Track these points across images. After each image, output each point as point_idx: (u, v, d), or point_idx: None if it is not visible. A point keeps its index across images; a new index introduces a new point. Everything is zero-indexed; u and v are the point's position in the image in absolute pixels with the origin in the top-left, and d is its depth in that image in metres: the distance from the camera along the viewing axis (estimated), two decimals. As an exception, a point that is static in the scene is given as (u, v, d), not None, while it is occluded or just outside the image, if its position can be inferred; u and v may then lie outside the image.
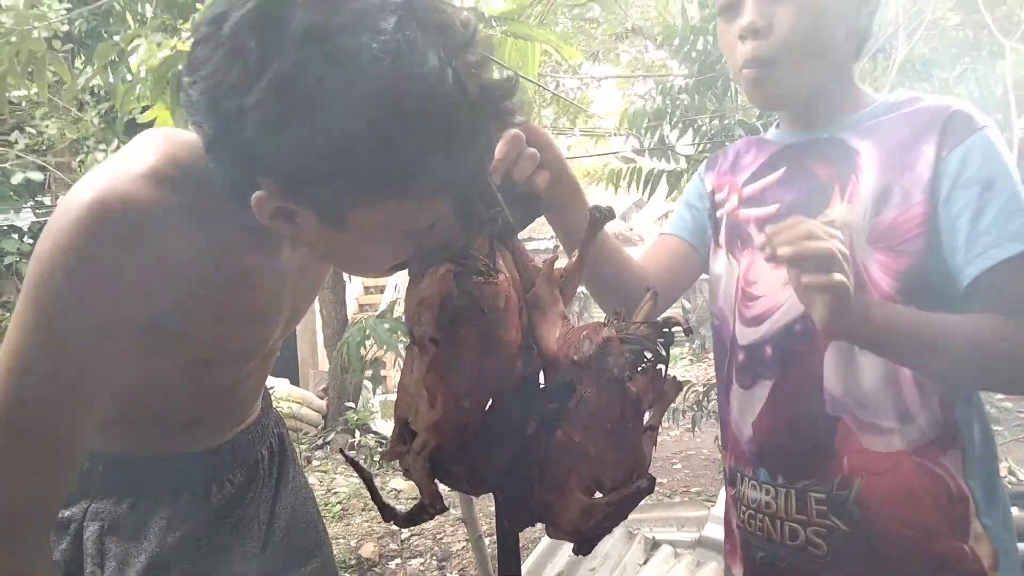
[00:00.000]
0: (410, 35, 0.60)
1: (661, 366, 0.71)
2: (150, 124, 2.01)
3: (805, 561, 0.97)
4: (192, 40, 0.66)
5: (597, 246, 0.86)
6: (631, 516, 0.72)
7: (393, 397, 0.70)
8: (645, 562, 2.85)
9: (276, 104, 0.59)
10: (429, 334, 0.65)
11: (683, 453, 5.36)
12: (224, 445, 1.00)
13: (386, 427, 5.93)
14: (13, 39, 1.88)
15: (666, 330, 0.70)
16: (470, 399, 0.68)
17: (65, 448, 0.72)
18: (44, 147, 5.08)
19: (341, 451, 0.76)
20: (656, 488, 0.74)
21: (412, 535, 3.92)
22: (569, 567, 2.84)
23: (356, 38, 0.58)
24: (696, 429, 3.48)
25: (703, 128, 2.74)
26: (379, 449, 5.65)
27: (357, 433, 5.90)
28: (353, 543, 3.93)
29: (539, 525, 0.73)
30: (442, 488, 0.69)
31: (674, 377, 0.73)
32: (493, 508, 0.78)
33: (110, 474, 0.91)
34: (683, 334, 0.78)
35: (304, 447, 5.71)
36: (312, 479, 4.89)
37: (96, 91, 4.35)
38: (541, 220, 0.87)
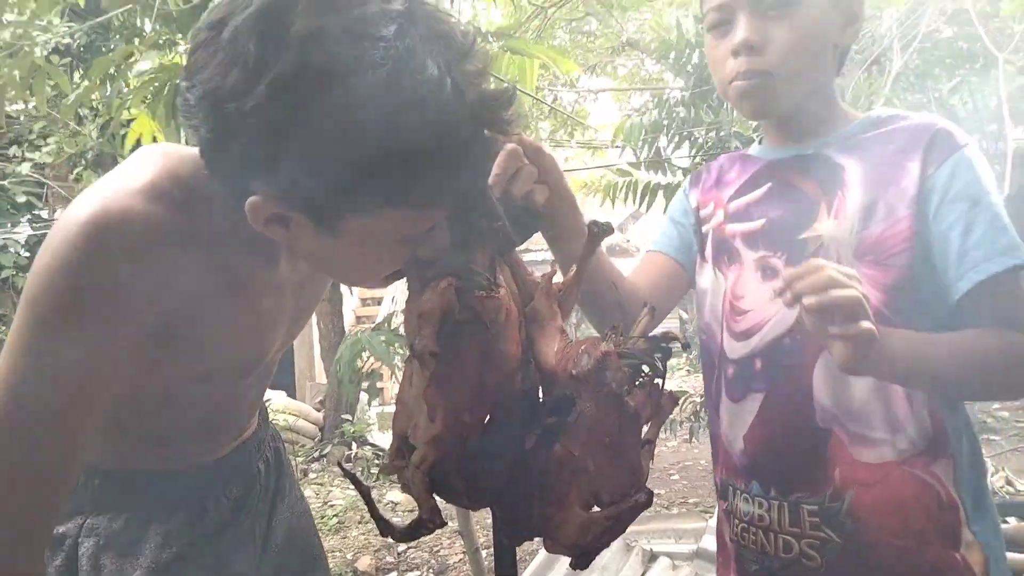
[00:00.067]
0: (410, 43, 0.60)
1: (658, 380, 0.71)
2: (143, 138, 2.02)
3: (800, 573, 0.97)
4: (190, 45, 0.66)
5: (592, 262, 0.86)
6: (629, 528, 0.73)
7: (390, 409, 0.70)
8: (643, 574, 2.84)
9: (275, 107, 0.58)
10: (430, 348, 0.64)
11: (680, 464, 5.35)
12: (221, 460, 1.00)
13: (383, 439, 5.91)
14: (11, 57, 1.89)
15: (664, 345, 0.71)
16: (470, 413, 0.68)
17: (61, 462, 0.72)
18: (43, 163, 5.09)
19: (339, 465, 0.76)
20: (654, 499, 0.74)
21: (408, 548, 3.90)
22: (567, 580, 2.83)
23: (356, 44, 0.59)
24: (693, 440, 3.48)
25: (699, 140, 2.76)
26: (376, 461, 5.63)
27: (354, 445, 5.88)
28: (349, 556, 3.91)
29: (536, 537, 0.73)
30: (439, 501, 0.69)
31: (670, 391, 0.73)
32: (490, 520, 0.78)
33: (106, 489, 0.91)
34: (680, 348, 0.79)
35: (301, 459, 5.68)
36: (308, 491, 4.87)
37: (95, 106, 4.36)
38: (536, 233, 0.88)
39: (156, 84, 1.79)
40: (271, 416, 1.17)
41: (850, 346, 0.78)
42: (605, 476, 0.69)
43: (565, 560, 0.75)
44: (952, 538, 0.93)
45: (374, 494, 0.74)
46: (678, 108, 2.73)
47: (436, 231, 0.70)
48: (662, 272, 1.16)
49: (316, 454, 5.85)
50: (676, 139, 2.75)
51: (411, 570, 3.71)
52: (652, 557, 2.90)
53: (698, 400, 3.43)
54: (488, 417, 0.73)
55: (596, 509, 0.71)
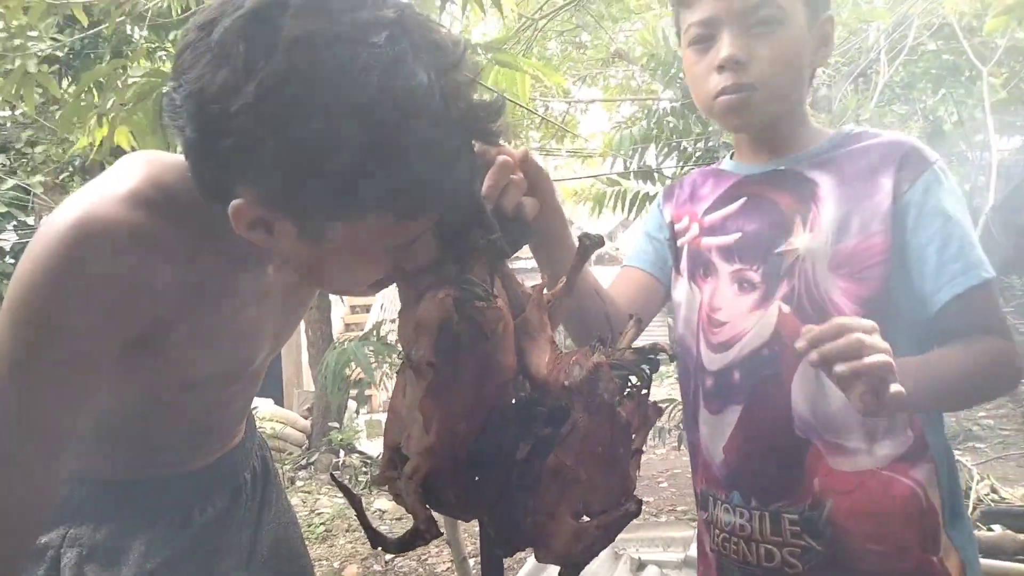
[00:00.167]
0: (400, 50, 0.60)
1: (646, 390, 0.72)
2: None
3: None
4: (179, 45, 0.66)
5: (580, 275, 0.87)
6: (617, 536, 0.73)
7: (378, 416, 0.70)
8: (632, 584, 2.84)
9: (261, 109, 0.58)
10: (427, 359, 0.64)
11: (669, 472, 5.36)
12: (207, 469, 0.99)
13: (371, 447, 5.88)
14: (7, 65, 1.87)
15: (651, 356, 0.71)
16: (465, 424, 0.68)
17: (44, 472, 0.71)
18: (29, 168, 5.05)
19: (331, 475, 0.75)
20: (643, 507, 0.75)
21: (396, 557, 3.88)
22: (555, 589, 2.82)
23: (347, 49, 0.58)
24: (682, 447, 3.48)
25: (688, 150, 2.78)
26: (364, 469, 5.61)
27: (342, 453, 5.85)
28: (336, 564, 3.88)
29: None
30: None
31: (655, 402, 0.74)
32: (477, 529, 0.78)
33: (89, 499, 0.90)
34: (667, 359, 0.79)
35: (288, 467, 5.65)
36: (295, 499, 4.84)
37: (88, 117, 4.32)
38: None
39: (143, 88, 1.78)
40: (258, 424, 1.16)
41: (875, 401, 0.78)
42: (596, 486, 0.70)
43: (554, 569, 0.75)
44: (932, 543, 0.95)
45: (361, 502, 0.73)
46: (668, 118, 2.75)
47: (422, 241, 0.69)
48: (639, 286, 1.17)
49: (303, 462, 5.82)
50: (665, 149, 2.77)
51: (399, 579, 3.69)
52: (640, 565, 2.90)
53: (686, 409, 3.43)
54: (481, 428, 0.73)
55: (586, 519, 0.71)
